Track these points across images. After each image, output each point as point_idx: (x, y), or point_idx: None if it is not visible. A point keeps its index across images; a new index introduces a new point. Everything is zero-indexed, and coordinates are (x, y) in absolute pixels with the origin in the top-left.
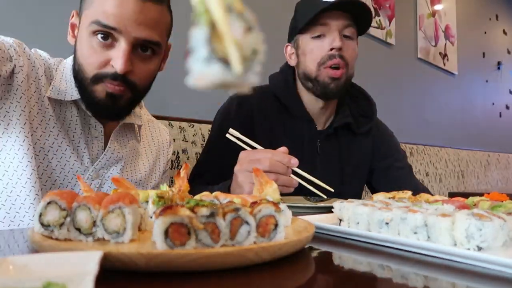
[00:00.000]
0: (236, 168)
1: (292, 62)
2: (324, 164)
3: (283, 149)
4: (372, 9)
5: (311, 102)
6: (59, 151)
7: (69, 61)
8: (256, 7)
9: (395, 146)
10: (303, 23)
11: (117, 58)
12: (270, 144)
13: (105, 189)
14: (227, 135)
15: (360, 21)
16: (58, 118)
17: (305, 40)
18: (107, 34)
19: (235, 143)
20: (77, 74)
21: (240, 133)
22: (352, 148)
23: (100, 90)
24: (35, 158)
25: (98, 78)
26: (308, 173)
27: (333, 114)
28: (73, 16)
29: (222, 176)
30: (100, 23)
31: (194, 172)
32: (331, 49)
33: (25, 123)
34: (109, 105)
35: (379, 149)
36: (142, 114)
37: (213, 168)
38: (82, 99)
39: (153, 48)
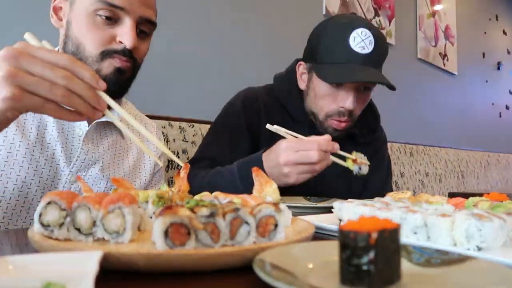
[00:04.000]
0: (281, 160)
1: (302, 85)
2: (328, 167)
3: (327, 137)
4: (372, 9)
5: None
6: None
7: None
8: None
9: (384, 158)
10: (322, 74)
11: (126, 34)
12: (273, 143)
13: None
14: (268, 126)
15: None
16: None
17: (319, 81)
18: (113, 13)
19: (238, 136)
20: (74, 55)
21: (245, 127)
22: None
23: (107, 65)
24: None
25: (107, 54)
26: (314, 177)
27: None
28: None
29: (220, 164)
30: (107, 2)
31: (192, 160)
32: (341, 107)
33: None
34: (114, 80)
35: (371, 160)
36: (123, 110)
37: (214, 156)
38: None
39: (149, 28)
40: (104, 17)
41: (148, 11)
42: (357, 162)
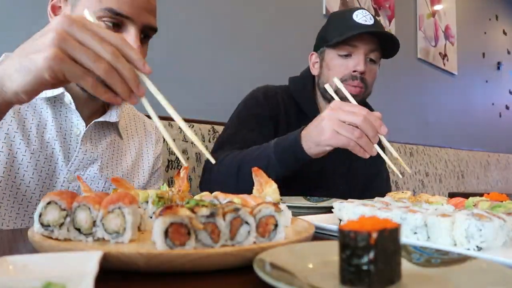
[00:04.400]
0: (326, 112)
1: (315, 71)
2: (333, 165)
3: (378, 114)
4: (372, 9)
5: (325, 109)
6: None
7: None
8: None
9: (383, 165)
10: (333, 40)
11: (131, 42)
12: None
13: None
14: (326, 86)
15: (387, 45)
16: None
17: (331, 55)
18: (118, 21)
19: (264, 123)
20: None
21: (268, 117)
22: (358, 158)
23: None
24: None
25: None
26: (317, 172)
27: None
28: None
29: (248, 147)
30: (113, 11)
31: (218, 146)
32: (354, 71)
33: None
34: None
35: (372, 165)
36: (124, 109)
37: (240, 142)
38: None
39: (151, 34)
40: (110, 24)
41: (151, 18)
42: (394, 163)
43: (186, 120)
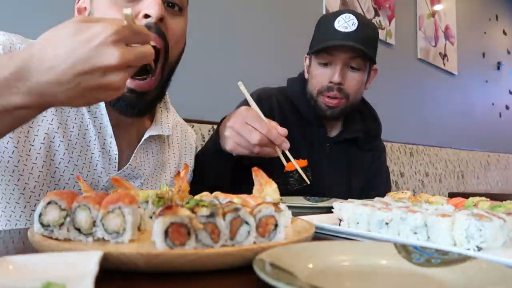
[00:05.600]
0: (229, 123)
1: (306, 74)
2: (331, 166)
3: (282, 130)
4: (372, 9)
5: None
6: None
7: None
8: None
9: (383, 164)
10: (313, 49)
11: (150, 3)
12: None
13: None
14: (239, 84)
15: (370, 49)
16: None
17: (314, 63)
18: None
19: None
20: None
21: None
22: (356, 161)
23: None
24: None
25: None
26: (317, 175)
27: (341, 123)
28: (79, 0)
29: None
30: None
31: None
32: (331, 82)
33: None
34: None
35: (371, 168)
36: (170, 118)
37: None
38: None
39: (179, 6)
40: None
41: None
42: (297, 171)
43: (186, 120)
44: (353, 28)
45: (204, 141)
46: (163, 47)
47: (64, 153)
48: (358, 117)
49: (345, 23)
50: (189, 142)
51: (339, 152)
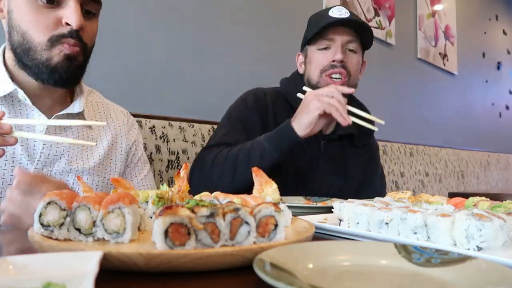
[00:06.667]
0: (309, 94)
1: (301, 70)
2: (327, 164)
3: (342, 88)
4: (372, 9)
5: None
6: None
7: None
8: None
9: (378, 162)
10: (311, 35)
11: (71, 14)
12: None
13: None
14: (298, 95)
15: (364, 37)
16: None
17: (312, 50)
18: None
19: (253, 126)
20: (21, 45)
21: (259, 119)
22: (351, 158)
23: (57, 53)
24: None
25: (55, 40)
26: (311, 171)
27: (335, 122)
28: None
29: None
30: None
31: (210, 145)
32: (333, 61)
33: None
34: (66, 68)
35: (370, 164)
36: (92, 99)
37: (229, 144)
38: (32, 73)
39: (95, 7)
40: (45, 1)
41: None
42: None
43: (186, 120)
44: (347, 15)
45: (204, 141)
46: (81, 48)
47: None
48: (350, 115)
49: (339, 12)
50: (121, 120)
51: (334, 149)
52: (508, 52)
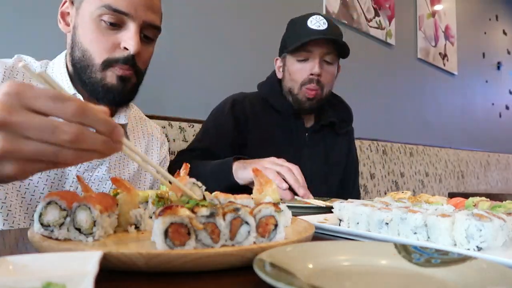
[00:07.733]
0: (262, 163)
1: (279, 74)
2: (310, 154)
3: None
4: (372, 9)
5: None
6: None
7: (57, 59)
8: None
9: (355, 152)
10: (291, 47)
11: (129, 40)
12: (261, 136)
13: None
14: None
15: (340, 49)
16: None
17: (291, 61)
18: (117, 18)
19: (227, 132)
20: (80, 61)
21: (232, 125)
22: (334, 146)
23: (110, 75)
24: None
25: (109, 63)
26: (296, 162)
27: (314, 116)
28: (64, 4)
29: (210, 154)
30: (111, 8)
31: (186, 149)
32: (312, 74)
33: None
34: (120, 89)
35: (350, 151)
36: (131, 112)
37: (200, 150)
38: (88, 89)
39: (153, 33)
40: (108, 23)
41: (152, 15)
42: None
43: (186, 120)
44: (325, 26)
45: None
46: (134, 72)
47: None
48: (329, 108)
49: (317, 23)
50: (155, 135)
51: (317, 140)
52: (508, 52)
